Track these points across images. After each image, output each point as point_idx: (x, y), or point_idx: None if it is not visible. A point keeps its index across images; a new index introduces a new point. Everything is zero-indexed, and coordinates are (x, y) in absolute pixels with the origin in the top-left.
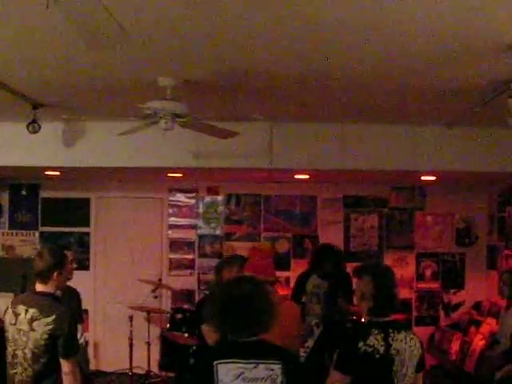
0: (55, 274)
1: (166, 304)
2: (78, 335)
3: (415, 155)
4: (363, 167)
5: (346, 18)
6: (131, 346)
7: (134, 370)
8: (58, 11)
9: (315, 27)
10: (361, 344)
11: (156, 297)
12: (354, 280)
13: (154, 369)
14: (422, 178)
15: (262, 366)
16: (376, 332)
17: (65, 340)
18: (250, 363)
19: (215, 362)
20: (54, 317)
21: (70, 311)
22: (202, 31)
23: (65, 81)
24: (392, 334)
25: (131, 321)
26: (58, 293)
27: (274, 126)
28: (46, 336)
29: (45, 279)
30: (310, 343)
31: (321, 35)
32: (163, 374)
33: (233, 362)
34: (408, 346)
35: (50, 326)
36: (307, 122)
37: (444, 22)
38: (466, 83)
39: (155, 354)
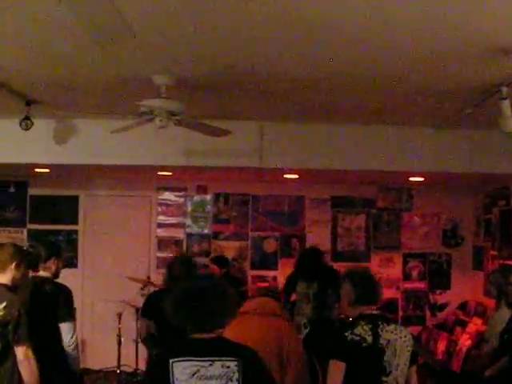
0: (12, 266)
1: None
2: (70, 333)
3: (404, 156)
4: (352, 167)
5: (337, 20)
6: (119, 343)
7: (122, 368)
8: (59, 8)
9: (307, 28)
10: (348, 333)
11: (144, 295)
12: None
13: (142, 367)
14: (410, 179)
15: (218, 363)
16: (363, 323)
17: (15, 327)
18: (206, 361)
19: (171, 360)
20: (4, 304)
21: (20, 299)
22: (196, 30)
23: (58, 77)
24: (381, 326)
25: (119, 318)
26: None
27: (265, 125)
28: None
29: (2, 270)
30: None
31: (313, 36)
32: None
33: (188, 360)
34: (399, 336)
35: (1, 313)
36: (297, 122)
37: (435, 25)
38: (456, 85)
39: (143, 352)
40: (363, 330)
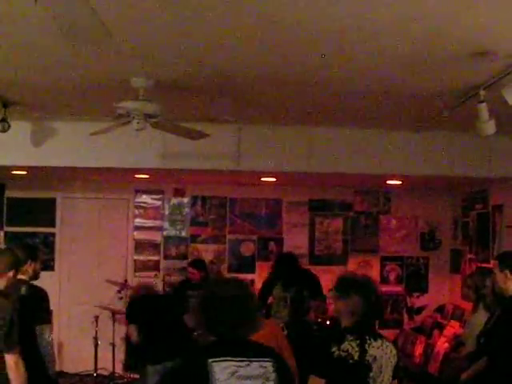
0: (10, 273)
1: None
2: (47, 335)
3: (382, 159)
4: (330, 170)
5: (318, 23)
6: (96, 346)
7: (99, 371)
8: (36, 8)
9: (287, 31)
10: (334, 348)
11: (121, 298)
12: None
13: (119, 370)
14: (388, 182)
15: (255, 363)
16: (351, 338)
17: (5, 333)
18: (244, 361)
19: (210, 360)
20: None
21: (11, 305)
22: (174, 32)
23: (36, 79)
24: (368, 341)
25: (96, 322)
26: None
27: (243, 128)
28: None
29: None
30: None
31: (292, 39)
32: (128, 375)
33: (226, 361)
34: (384, 353)
35: None
36: (275, 125)
37: (413, 29)
38: (434, 88)
39: (120, 355)
40: (350, 347)
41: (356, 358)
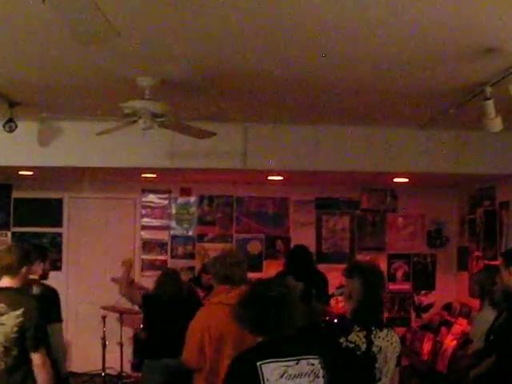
0: (24, 268)
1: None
2: (60, 334)
3: (388, 157)
4: (336, 169)
5: (323, 21)
6: (104, 346)
7: (107, 371)
8: (43, 7)
9: (292, 29)
10: (342, 339)
11: None
12: (343, 278)
13: (127, 369)
14: (395, 179)
15: (303, 361)
16: (358, 329)
17: (33, 332)
18: (291, 360)
19: (259, 363)
20: (22, 310)
21: (37, 304)
22: (180, 32)
23: (42, 79)
24: (374, 332)
25: (104, 321)
26: (36, 289)
27: (249, 127)
28: (15, 329)
29: (12, 274)
30: None
31: (297, 37)
32: (136, 374)
33: (275, 362)
34: (390, 343)
35: (19, 319)
36: (282, 124)
37: (419, 26)
38: (440, 86)
39: (128, 355)
40: (358, 338)
41: (363, 349)
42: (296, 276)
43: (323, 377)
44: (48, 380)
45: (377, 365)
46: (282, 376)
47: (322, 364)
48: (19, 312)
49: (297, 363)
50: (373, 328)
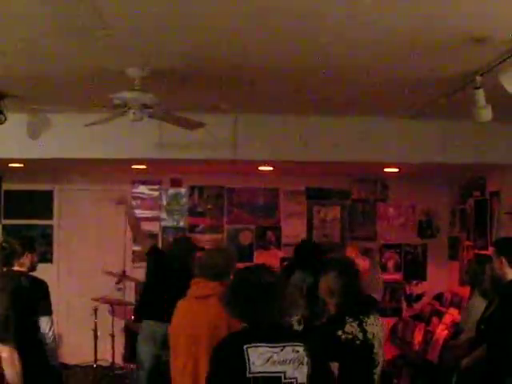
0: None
1: (130, 296)
2: (49, 326)
3: (378, 147)
4: (327, 159)
5: (313, 12)
6: (96, 338)
7: (99, 363)
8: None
9: (281, 18)
10: (340, 332)
11: (120, 289)
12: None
13: (119, 361)
14: (385, 169)
15: (288, 348)
16: (350, 320)
17: (2, 326)
18: (277, 346)
19: (245, 346)
20: None
21: (7, 295)
22: (169, 21)
23: (31, 71)
24: (364, 320)
25: (95, 313)
26: (25, 283)
27: (238, 117)
28: None
29: None
30: None
31: (289, 27)
32: (128, 365)
33: (261, 346)
34: (379, 328)
35: None
36: (271, 114)
37: (410, 14)
38: (429, 75)
39: (119, 346)
40: (353, 328)
41: (361, 338)
42: (304, 269)
43: (307, 364)
44: (15, 375)
45: (375, 350)
46: (267, 361)
47: (307, 351)
48: None
49: (282, 349)
50: (361, 317)
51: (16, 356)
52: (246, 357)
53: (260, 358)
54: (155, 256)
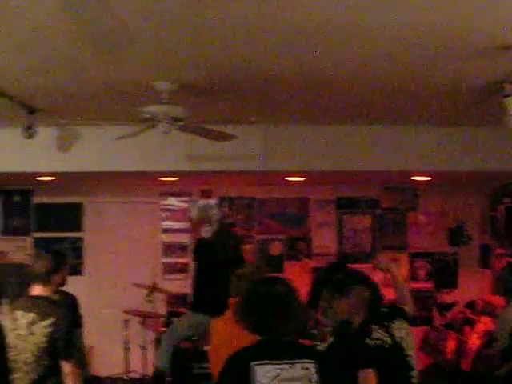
0: (54, 277)
1: (161, 308)
2: (81, 339)
3: (408, 155)
4: (357, 168)
5: (338, 22)
6: (127, 350)
7: (130, 375)
8: (64, 14)
9: (308, 30)
10: (368, 340)
11: (150, 301)
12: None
13: (150, 373)
14: (416, 178)
15: (297, 365)
16: (376, 327)
17: (64, 342)
18: (286, 363)
19: (252, 363)
20: (52, 319)
21: (67, 314)
22: (196, 35)
23: (61, 85)
24: (389, 325)
25: (126, 325)
26: (55, 297)
27: (268, 128)
28: (45, 339)
29: (44, 283)
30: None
31: (315, 38)
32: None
33: (269, 364)
34: (406, 332)
35: (49, 329)
36: (301, 125)
37: (438, 23)
38: (459, 83)
39: (150, 358)
40: (380, 334)
41: (390, 342)
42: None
43: (316, 382)
44: None
45: (406, 353)
46: (274, 379)
47: (317, 369)
48: (49, 322)
49: (291, 367)
50: (385, 323)
51: (77, 372)
52: (252, 375)
53: (266, 376)
54: (205, 249)
